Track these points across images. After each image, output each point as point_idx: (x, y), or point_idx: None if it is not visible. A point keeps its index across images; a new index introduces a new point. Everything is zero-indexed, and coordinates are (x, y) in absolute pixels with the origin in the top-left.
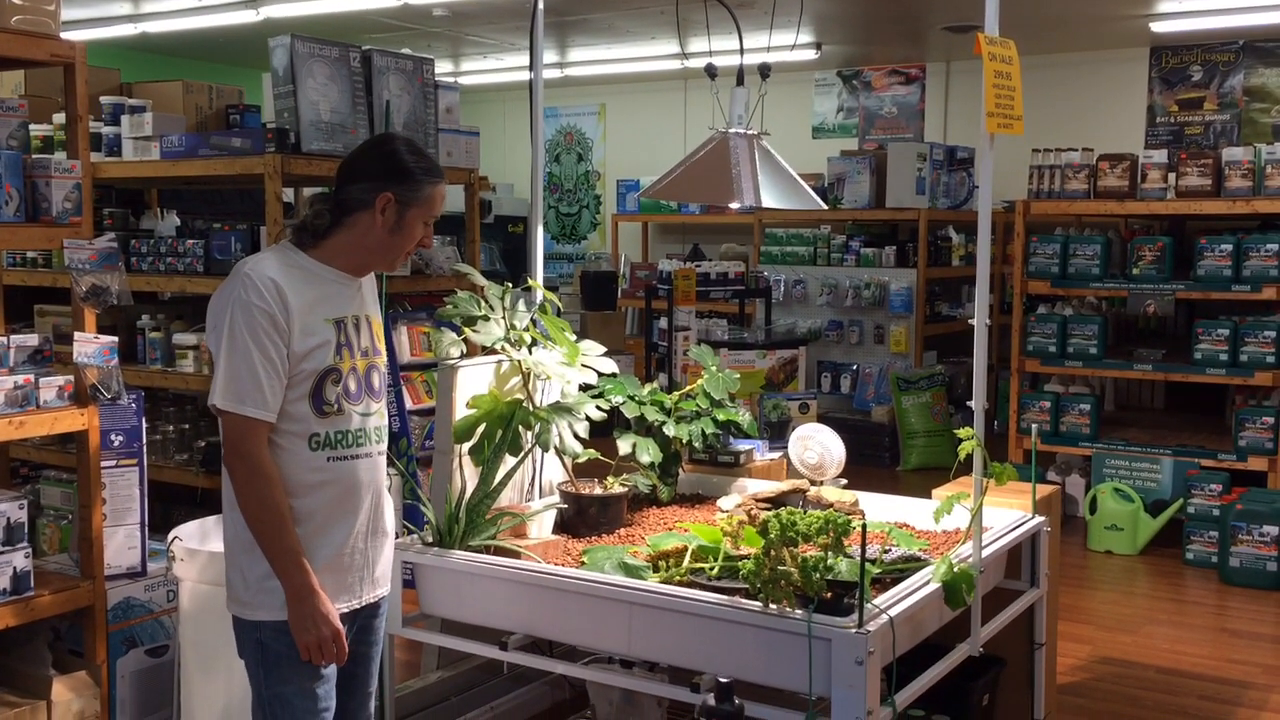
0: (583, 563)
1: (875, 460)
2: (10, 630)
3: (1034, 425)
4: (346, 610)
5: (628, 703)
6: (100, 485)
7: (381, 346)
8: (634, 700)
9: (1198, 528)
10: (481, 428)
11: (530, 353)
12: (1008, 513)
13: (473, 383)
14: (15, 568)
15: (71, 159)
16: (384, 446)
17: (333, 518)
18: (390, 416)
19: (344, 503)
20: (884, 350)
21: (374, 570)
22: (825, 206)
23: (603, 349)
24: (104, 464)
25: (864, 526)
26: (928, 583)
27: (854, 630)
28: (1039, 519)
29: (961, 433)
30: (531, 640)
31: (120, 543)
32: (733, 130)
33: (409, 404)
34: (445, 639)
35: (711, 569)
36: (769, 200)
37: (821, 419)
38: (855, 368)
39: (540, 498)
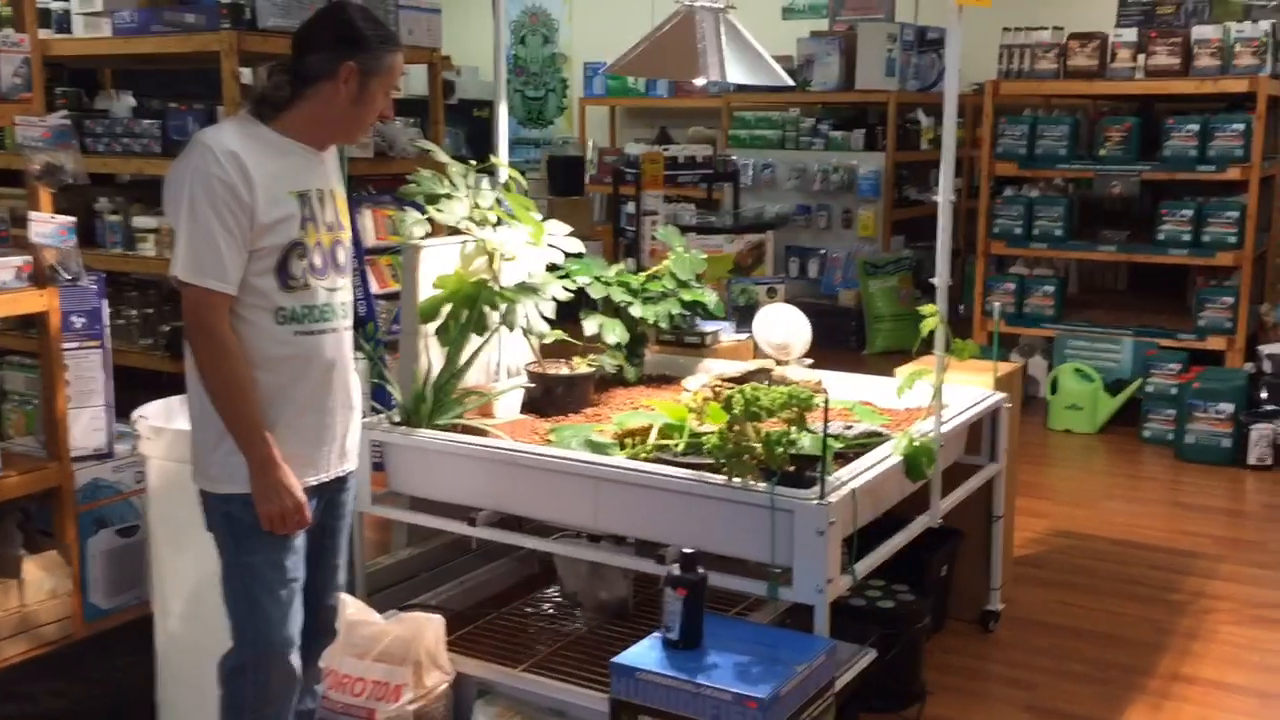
0: (550, 441)
1: (842, 344)
2: None
3: (996, 305)
4: (315, 484)
5: (595, 576)
6: (63, 367)
7: (346, 221)
8: (601, 573)
9: (1155, 406)
10: (447, 308)
11: (495, 231)
12: (969, 389)
13: (438, 263)
14: None
15: (20, 34)
16: (350, 323)
17: (303, 392)
18: (356, 300)
19: (314, 377)
20: (852, 235)
21: (343, 444)
22: (792, 83)
23: (568, 229)
24: (66, 346)
25: (826, 401)
26: (889, 457)
27: (815, 502)
28: (999, 395)
29: (925, 309)
30: (500, 516)
31: (86, 424)
32: (699, 4)
33: (374, 288)
34: (414, 516)
35: (677, 445)
36: (734, 76)
37: (789, 303)
38: (823, 252)
39: (507, 379)
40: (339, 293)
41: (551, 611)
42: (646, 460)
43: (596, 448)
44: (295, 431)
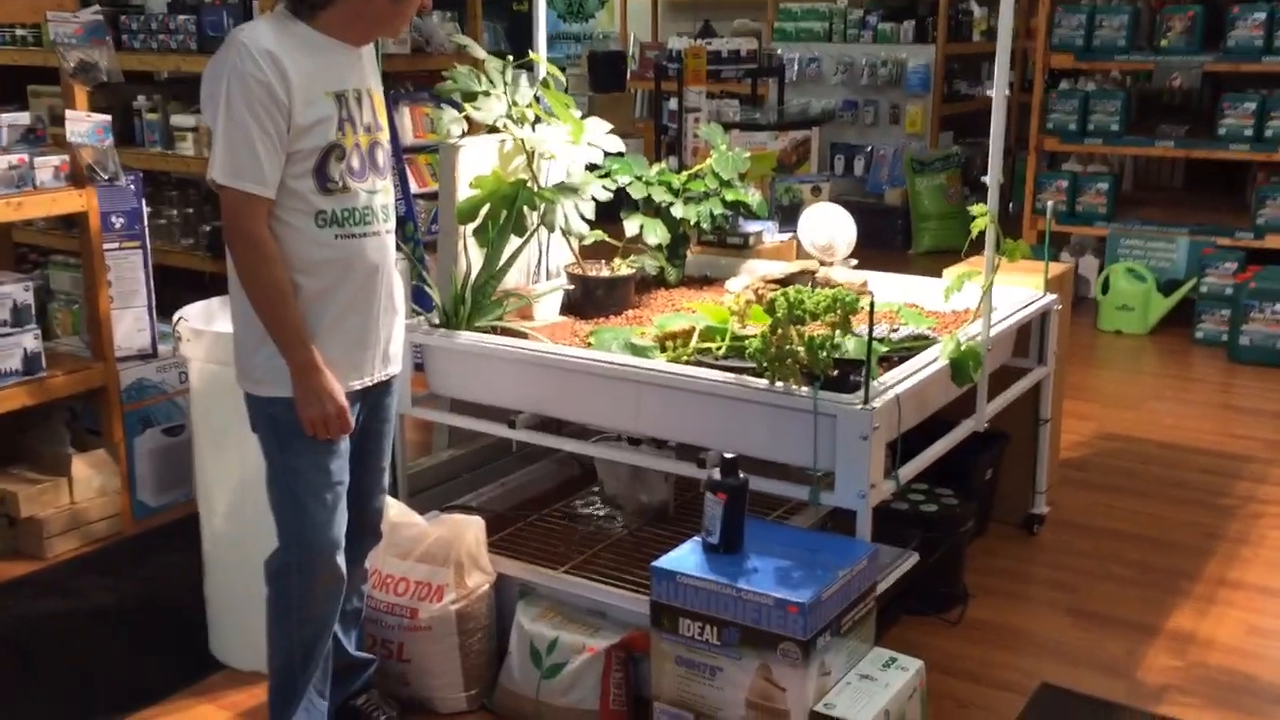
0: (590, 344)
1: (888, 244)
2: (27, 410)
3: (1049, 203)
4: (359, 388)
5: (636, 479)
6: (104, 268)
7: (384, 121)
8: (641, 476)
9: (1210, 306)
10: (485, 208)
11: (533, 130)
12: (1018, 291)
13: (476, 163)
14: (25, 349)
15: None
16: (392, 225)
17: (345, 296)
18: (395, 200)
19: (356, 281)
20: (899, 131)
21: (386, 348)
22: None
23: (609, 126)
24: (107, 246)
25: (871, 304)
26: (935, 360)
27: (859, 407)
28: (1049, 297)
29: (975, 209)
30: (541, 419)
31: (129, 325)
32: None
33: (414, 187)
34: (454, 418)
35: (718, 348)
36: None
37: (834, 202)
38: (870, 149)
39: (548, 280)
40: (379, 195)
41: (592, 514)
42: (688, 364)
43: (637, 351)
44: (338, 336)
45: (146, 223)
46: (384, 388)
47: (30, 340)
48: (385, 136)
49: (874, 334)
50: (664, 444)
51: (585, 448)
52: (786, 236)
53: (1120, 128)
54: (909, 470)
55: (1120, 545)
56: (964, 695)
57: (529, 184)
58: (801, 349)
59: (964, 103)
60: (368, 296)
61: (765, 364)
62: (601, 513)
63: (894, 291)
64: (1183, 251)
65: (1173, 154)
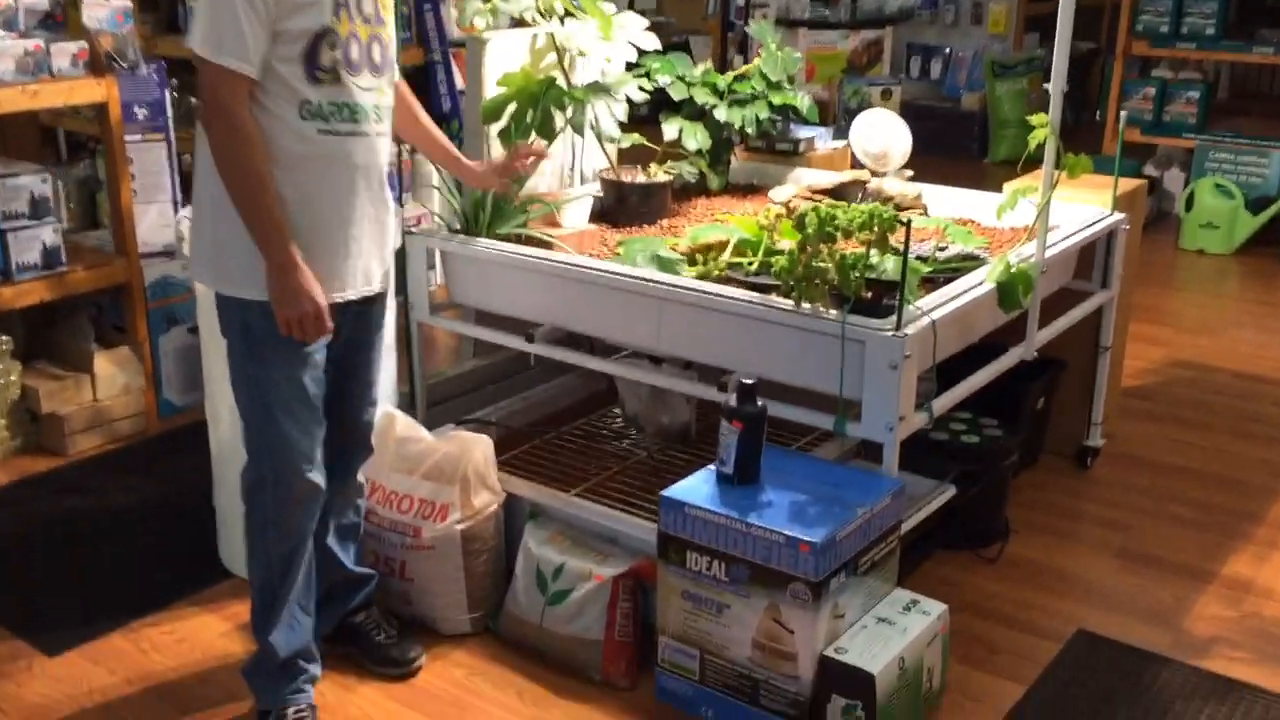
0: (618, 254)
1: (963, 151)
2: (48, 305)
3: (1124, 112)
4: (341, 301)
5: (657, 399)
6: (126, 160)
7: (388, 17)
8: (663, 397)
9: None
10: (511, 108)
11: (562, 24)
12: (1083, 209)
13: (506, 59)
14: (44, 242)
15: None
16: (387, 128)
17: (326, 199)
18: (441, 96)
19: (338, 183)
20: (981, 31)
21: (371, 262)
22: None
23: (645, 22)
24: (129, 138)
25: (909, 221)
26: (980, 284)
27: (890, 333)
28: (1117, 216)
29: (1035, 119)
30: (563, 333)
31: (153, 220)
32: None
33: (460, 83)
34: (470, 328)
35: (750, 264)
36: None
37: (906, 106)
38: (948, 51)
39: (581, 185)
40: (373, 94)
41: (612, 433)
42: (717, 280)
43: (663, 265)
44: (318, 243)
45: (173, 114)
46: (369, 300)
47: (49, 234)
48: (387, 33)
49: (919, 254)
50: (688, 364)
51: (603, 365)
52: (841, 144)
53: (1216, 31)
54: (944, 402)
55: (1180, 482)
56: (995, 640)
57: (559, 83)
58: (831, 268)
59: (1051, 1)
60: (350, 201)
61: (791, 284)
62: (622, 432)
63: (950, 206)
64: (1276, 167)
65: (1273, 61)
